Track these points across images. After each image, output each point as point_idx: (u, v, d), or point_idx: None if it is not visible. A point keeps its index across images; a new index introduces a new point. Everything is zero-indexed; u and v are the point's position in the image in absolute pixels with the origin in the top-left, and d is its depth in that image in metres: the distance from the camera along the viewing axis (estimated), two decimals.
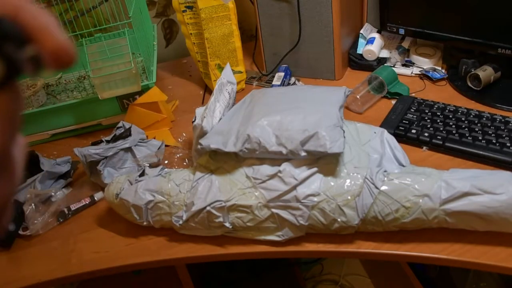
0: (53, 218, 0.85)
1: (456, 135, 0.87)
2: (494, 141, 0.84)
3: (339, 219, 0.70)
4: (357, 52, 1.16)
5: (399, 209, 0.68)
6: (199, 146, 0.76)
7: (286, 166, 0.72)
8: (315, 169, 0.72)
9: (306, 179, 0.71)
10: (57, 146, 1.06)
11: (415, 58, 1.13)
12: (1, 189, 0.22)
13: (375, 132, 0.80)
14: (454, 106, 0.94)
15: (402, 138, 0.90)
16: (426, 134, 0.89)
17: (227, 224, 0.73)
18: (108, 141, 0.90)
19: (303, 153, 0.71)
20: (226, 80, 0.88)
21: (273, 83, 1.12)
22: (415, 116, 0.93)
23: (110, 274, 0.78)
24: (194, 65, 1.23)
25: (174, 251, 0.78)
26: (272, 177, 0.72)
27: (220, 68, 1.11)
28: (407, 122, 0.92)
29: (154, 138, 0.98)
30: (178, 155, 0.97)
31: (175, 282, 1.03)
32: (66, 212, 0.86)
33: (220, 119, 0.82)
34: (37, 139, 1.07)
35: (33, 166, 0.90)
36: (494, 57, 1.00)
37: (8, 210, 0.23)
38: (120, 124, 0.91)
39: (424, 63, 1.12)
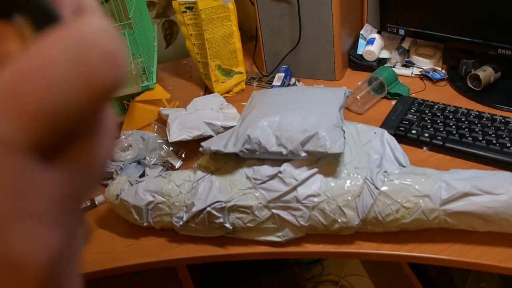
0: None
1: (456, 135, 0.87)
2: (494, 142, 0.84)
3: (339, 220, 0.70)
4: (357, 52, 1.17)
5: (399, 209, 0.68)
6: (200, 149, 0.77)
7: (286, 167, 0.72)
8: (315, 169, 0.72)
9: (307, 180, 0.71)
10: None
11: (415, 58, 1.13)
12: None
13: (375, 133, 0.81)
14: (454, 106, 0.94)
15: (402, 138, 0.90)
16: (426, 135, 0.89)
17: (227, 225, 0.73)
18: None
19: (303, 154, 0.71)
20: None
21: (273, 83, 1.12)
22: (415, 117, 0.94)
23: (110, 275, 0.78)
24: (194, 66, 1.23)
25: (174, 252, 0.78)
26: (272, 177, 0.73)
27: (221, 68, 1.12)
28: (407, 122, 0.92)
29: (156, 135, 0.98)
30: None
31: (176, 283, 1.03)
32: None
33: None
34: None
35: None
36: (494, 58, 1.00)
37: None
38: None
39: (424, 63, 1.12)
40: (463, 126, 0.89)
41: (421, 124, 0.91)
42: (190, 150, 0.94)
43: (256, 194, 0.73)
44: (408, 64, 1.14)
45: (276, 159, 0.74)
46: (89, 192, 0.17)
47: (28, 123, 0.14)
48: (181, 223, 0.75)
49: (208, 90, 1.18)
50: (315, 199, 0.70)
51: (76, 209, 0.17)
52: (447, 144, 0.86)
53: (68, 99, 0.14)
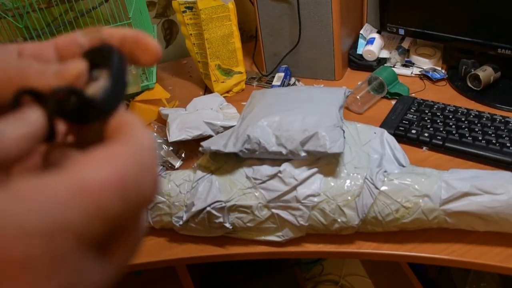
0: None
1: (456, 135, 0.87)
2: (494, 141, 0.84)
3: (339, 220, 0.70)
4: (357, 52, 1.17)
5: (399, 209, 0.68)
6: (200, 149, 0.77)
7: (286, 167, 0.72)
8: (315, 169, 0.72)
9: (306, 180, 0.71)
10: None
11: (415, 58, 1.13)
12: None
13: (375, 133, 0.81)
14: (454, 106, 0.94)
15: (402, 138, 0.90)
16: (426, 135, 0.89)
17: (227, 225, 0.73)
18: None
19: (303, 153, 0.71)
20: None
21: (273, 83, 1.12)
22: (415, 117, 0.94)
23: None
24: (194, 65, 1.23)
25: (174, 251, 0.78)
26: (272, 177, 0.72)
27: (220, 68, 1.12)
28: (407, 122, 0.92)
29: (155, 134, 0.98)
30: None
31: (176, 282, 1.03)
32: None
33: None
34: None
35: None
36: (494, 57, 1.00)
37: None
38: None
39: (424, 63, 1.12)
40: (463, 126, 0.89)
41: (421, 124, 0.91)
42: (190, 150, 0.94)
43: (256, 194, 0.73)
44: (408, 64, 1.14)
45: (276, 159, 0.74)
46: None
47: (101, 221, 0.17)
48: (181, 223, 0.75)
49: (208, 90, 1.18)
50: (315, 199, 0.70)
51: None
52: (446, 144, 0.86)
53: (129, 205, 0.18)
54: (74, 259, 0.16)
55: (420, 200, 0.68)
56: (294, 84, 1.15)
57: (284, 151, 0.72)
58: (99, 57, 0.23)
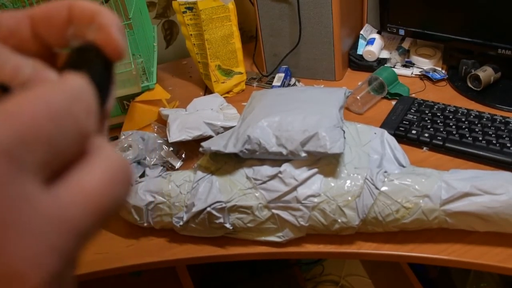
0: None
1: (456, 135, 0.87)
2: (494, 142, 0.84)
3: (339, 220, 0.70)
4: (357, 53, 1.17)
5: (399, 209, 0.68)
6: (200, 149, 0.77)
7: (286, 167, 0.72)
8: (315, 169, 0.72)
9: (307, 180, 0.71)
10: None
11: (415, 58, 1.13)
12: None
13: (375, 133, 0.81)
14: (454, 106, 0.94)
15: (402, 138, 0.90)
16: (426, 135, 0.89)
17: (227, 225, 0.73)
18: None
19: (303, 154, 0.71)
20: None
21: (273, 84, 1.12)
22: (415, 117, 0.94)
23: (110, 275, 0.78)
24: (194, 66, 1.23)
25: (174, 252, 0.78)
26: (272, 177, 0.73)
27: (221, 69, 1.12)
28: (407, 122, 0.92)
29: (156, 135, 0.98)
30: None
31: (176, 283, 1.03)
32: None
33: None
34: None
35: None
36: (494, 58, 1.00)
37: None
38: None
39: (424, 63, 1.12)
40: (463, 126, 0.89)
41: (421, 124, 0.91)
42: (190, 150, 0.94)
43: (256, 194, 0.73)
44: (408, 64, 1.14)
45: (276, 159, 0.74)
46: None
47: (36, 144, 0.16)
48: (181, 223, 0.75)
49: (208, 91, 1.18)
50: (315, 199, 0.70)
51: (76, 245, 0.17)
52: (447, 144, 0.86)
53: (64, 128, 0.18)
54: (15, 184, 0.15)
55: (421, 201, 0.68)
56: (294, 84, 1.15)
57: (284, 152, 0.72)
58: (80, 58, 0.22)
